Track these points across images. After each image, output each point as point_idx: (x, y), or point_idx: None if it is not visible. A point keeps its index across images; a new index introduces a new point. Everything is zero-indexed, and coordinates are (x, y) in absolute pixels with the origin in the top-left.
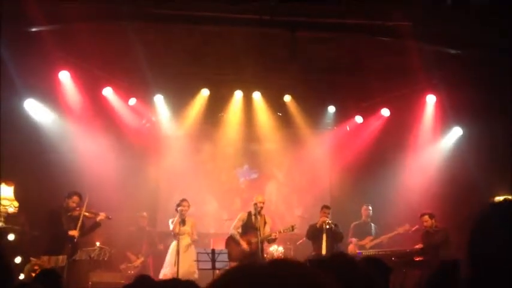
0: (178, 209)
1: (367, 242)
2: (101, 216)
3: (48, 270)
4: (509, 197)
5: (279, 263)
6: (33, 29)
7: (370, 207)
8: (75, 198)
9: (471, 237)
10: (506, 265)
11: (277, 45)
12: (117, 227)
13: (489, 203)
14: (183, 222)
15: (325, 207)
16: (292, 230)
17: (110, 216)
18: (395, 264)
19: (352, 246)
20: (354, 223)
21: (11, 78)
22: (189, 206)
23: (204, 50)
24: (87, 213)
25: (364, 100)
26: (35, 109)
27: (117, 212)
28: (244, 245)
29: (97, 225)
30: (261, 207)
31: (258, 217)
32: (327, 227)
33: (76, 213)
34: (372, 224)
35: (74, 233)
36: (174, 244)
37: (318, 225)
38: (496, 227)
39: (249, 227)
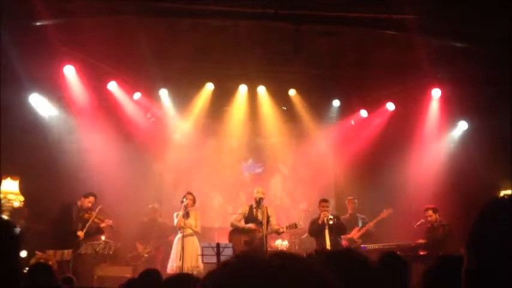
0: (183, 201)
1: (355, 233)
2: (106, 222)
3: (39, 263)
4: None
5: (282, 257)
6: (38, 23)
7: (355, 200)
8: (92, 198)
9: (473, 232)
10: (509, 260)
11: (281, 39)
12: (123, 220)
13: (492, 198)
14: (187, 215)
15: (323, 200)
16: (296, 227)
17: (114, 226)
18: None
19: (344, 242)
20: (341, 217)
21: (16, 73)
22: (193, 200)
23: (208, 44)
24: (96, 219)
25: (369, 94)
26: (39, 103)
27: (122, 205)
28: (252, 226)
29: (100, 231)
30: (260, 198)
31: (260, 209)
32: (330, 222)
33: (86, 216)
34: (359, 215)
35: (80, 234)
36: (178, 237)
37: (319, 222)
38: (499, 222)
39: (251, 220)
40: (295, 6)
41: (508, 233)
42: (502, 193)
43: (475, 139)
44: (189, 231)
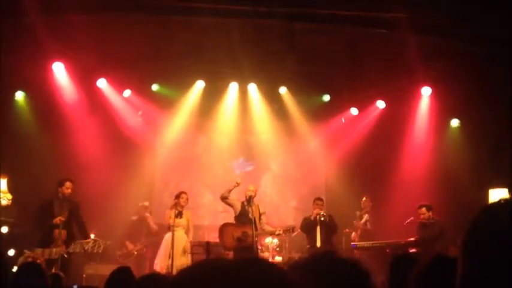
0: (176, 201)
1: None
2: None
3: (29, 262)
4: (504, 197)
5: (247, 265)
6: (27, 19)
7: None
8: (68, 184)
9: (468, 237)
10: (501, 268)
11: (273, 36)
12: (112, 217)
13: (484, 205)
14: (179, 214)
15: (318, 199)
16: (293, 231)
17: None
18: (389, 256)
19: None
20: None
21: (2, 69)
22: (187, 199)
23: (199, 41)
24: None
25: (359, 92)
26: (27, 100)
27: (112, 203)
28: (236, 183)
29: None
30: (251, 196)
31: (251, 207)
32: (322, 219)
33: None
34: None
35: (56, 220)
36: (168, 236)
37: (312, 218)
38: (491, 229)
39: (243, 217)
40: (287, 4)
41: (503, 238)
42: (492, 191)
43: (466, 137)
44: (179, 230)
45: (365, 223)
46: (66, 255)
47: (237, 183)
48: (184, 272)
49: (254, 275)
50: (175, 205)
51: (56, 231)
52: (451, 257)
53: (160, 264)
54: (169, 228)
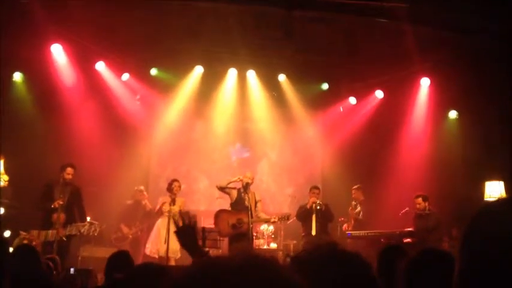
0: (169, 192)
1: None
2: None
3: (24, 245)
4: (502, 196)
5: (250, 265)
6: (26, 0)
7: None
8: (69, 169)
9: (465, 237)
10: (501, 267)
11: (272, 24)
12: (109, 201)
13: (482, 205)
14: (173, 202)
15: (314, 187)
16: (288, 219)
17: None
18: (383, 246)
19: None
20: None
21: (1, 50)
22: (180, 187)
23: (198, 27)
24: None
25: (358, 81)
26: (25, 82)
27: (108, 186)
28: (236, 179)
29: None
30: (247, 183)
31: (247, 194)
32: (318, 207)
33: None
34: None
35: (55, 204)
36: (160, 221)
37: (308, 206)
38: (491, 228)
39: (239, 204)
40: None
41: (503, 237)
42: (489, 183)
43: (463, 129)
44: (175, 216)
45: (358, 213)
46: (65, 238)
47: (240, 179)
48: (185, 272)
49: (259, 277)
50: (171, 193)
51: (55, 215)
52: (441, 250)
53: (151, 249)
54: (163, 214)
